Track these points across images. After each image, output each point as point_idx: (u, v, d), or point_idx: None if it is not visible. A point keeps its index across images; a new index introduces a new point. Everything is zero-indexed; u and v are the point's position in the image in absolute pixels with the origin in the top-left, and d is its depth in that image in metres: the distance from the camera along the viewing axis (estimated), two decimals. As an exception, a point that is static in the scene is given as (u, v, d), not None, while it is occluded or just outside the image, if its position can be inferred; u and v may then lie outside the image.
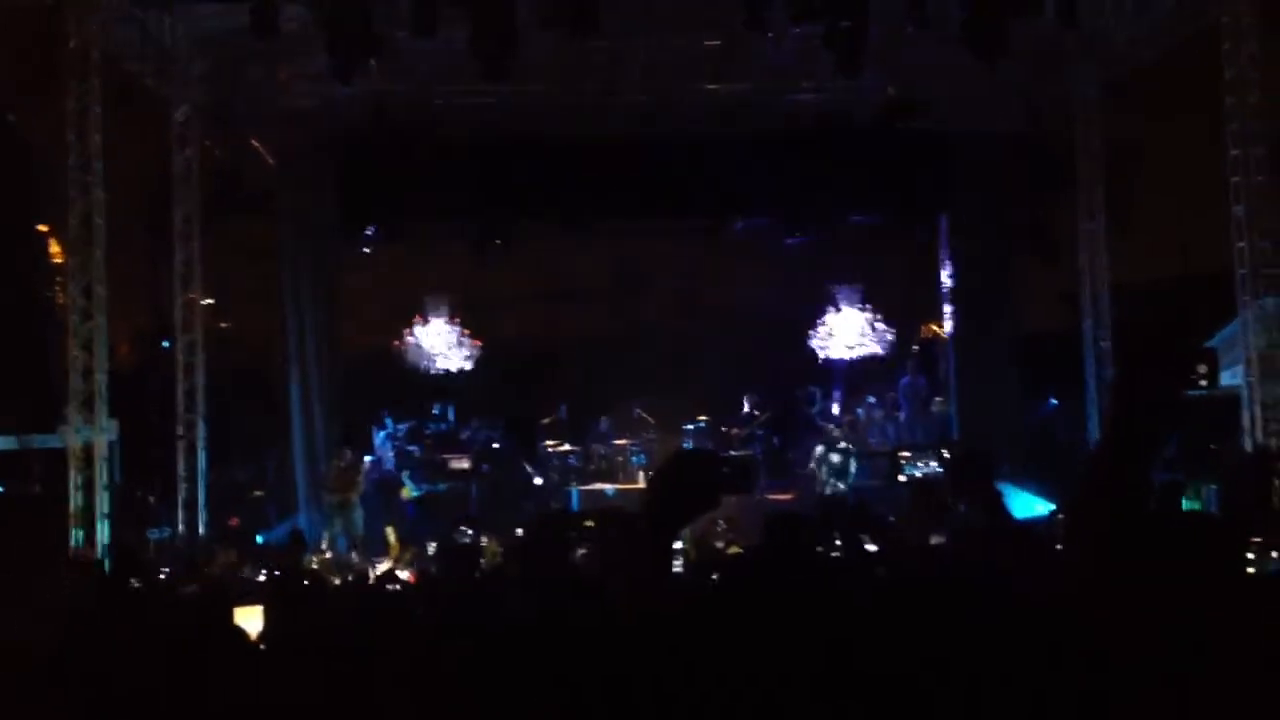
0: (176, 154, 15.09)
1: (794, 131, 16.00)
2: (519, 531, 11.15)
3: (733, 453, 16.45)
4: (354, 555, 13.96)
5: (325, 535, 14.31)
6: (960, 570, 3.76)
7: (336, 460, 14.93)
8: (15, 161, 19.95)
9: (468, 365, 17.87)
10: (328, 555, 13.64)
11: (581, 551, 6.25)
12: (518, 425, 17.73)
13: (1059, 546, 3.50)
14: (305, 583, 7.64)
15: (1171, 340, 2.85)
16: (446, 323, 17.79)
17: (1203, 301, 16.43)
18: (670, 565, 3.19)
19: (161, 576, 10.47)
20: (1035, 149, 17.38)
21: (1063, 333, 18.03)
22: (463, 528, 13.13)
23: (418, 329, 17.74)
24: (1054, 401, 19.09)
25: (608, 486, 16.34)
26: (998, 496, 3.53)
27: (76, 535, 13.00)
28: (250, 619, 7.09)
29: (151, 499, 15.35)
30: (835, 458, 15.94)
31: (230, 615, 5.48)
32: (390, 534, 14.44)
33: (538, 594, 4.17)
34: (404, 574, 10.49)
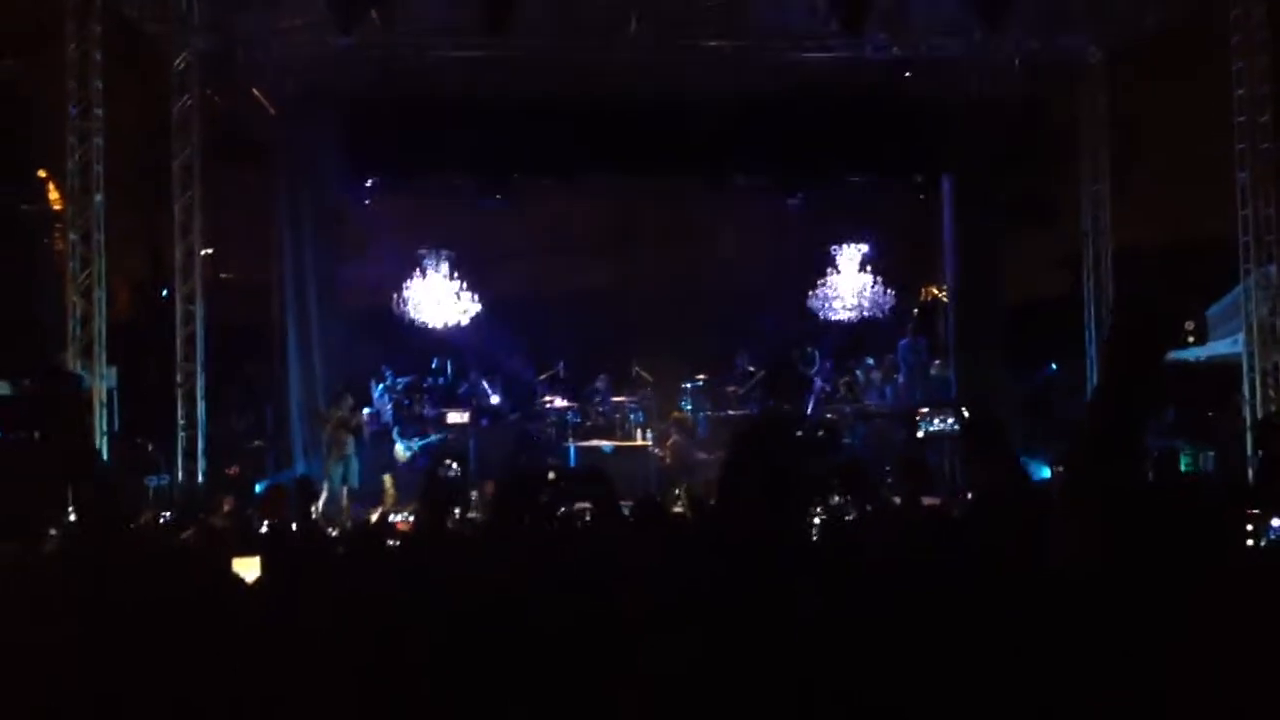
0: (176, 101, 15.00)
1: (796, 90, 15.91)
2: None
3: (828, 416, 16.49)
4: (344, 504, 14.00)
5: (325, 485, 14.35)
6: (965, 534, 3.76)
7: (335, 408, 14.91)
8: (14, 106, 19.83)
9: (466, 320, 17.85)
10: (325, 505, 13.68)
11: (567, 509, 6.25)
12: (515, 380, 17.79)
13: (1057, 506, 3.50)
14: (305, 532, 7.66)
15: (1158, 300, 2.84)
16: (446, 277, 17.75)
17: (1205, 268, 16.42)
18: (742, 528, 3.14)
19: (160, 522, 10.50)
20: (1038, 113, 17.31)
21: (1064, 298, 18.02)
22: (448, 461, 13.01)
23: (417, 282, 17.70)
24: (1054, 366, 19.10)
25: (605, 443, 16.36)
26: (1015, 457, 3.50)
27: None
28: (248, 569, 7.13)
29: (150, 447, 15.37)
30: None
31: (229, 563, 5.49)
32: (388, 481, 14.49)
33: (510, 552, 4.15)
34: (399, 520, 10.50)
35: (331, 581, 4.64)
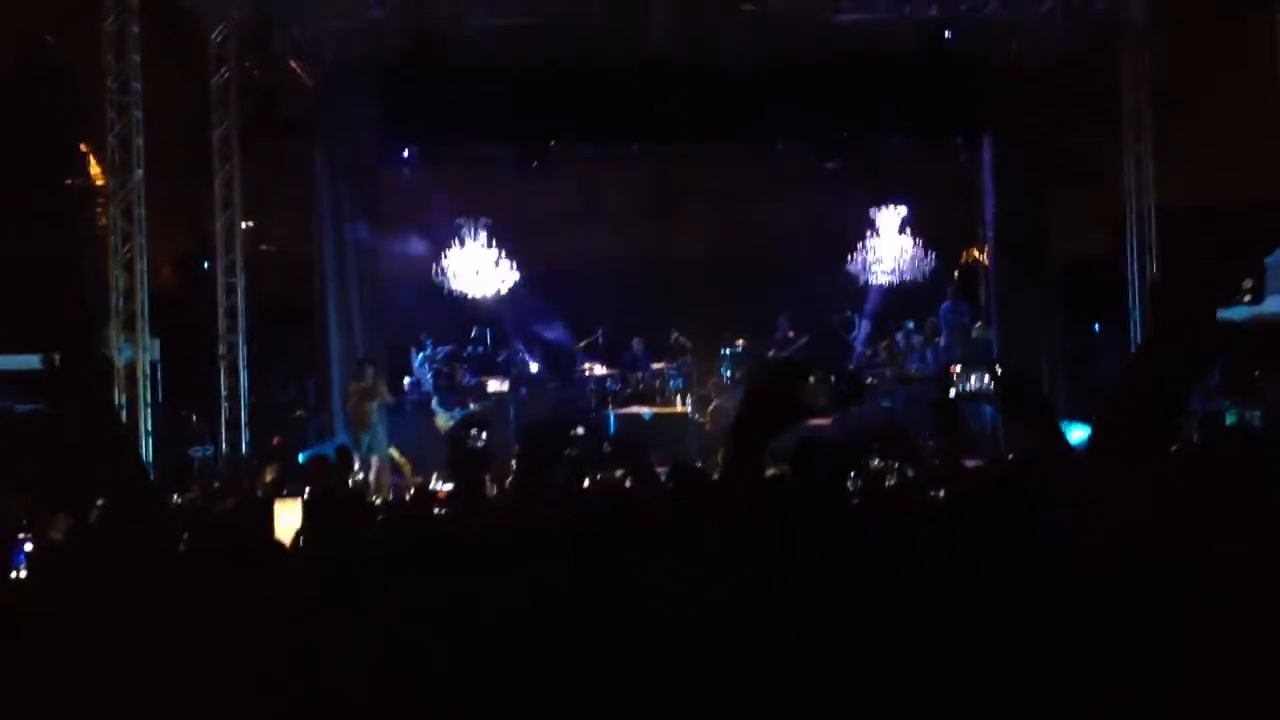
0: (214, 75, 15.07)
1: (834, 52, 15.78)
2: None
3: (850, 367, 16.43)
4: (373, 475, 14.04)
5: (356, 456, 14.40)
6: (1009, 497, 3.71)
7: (355, 381, 14.94)
8: (56, 82, 19.94)
9: (504, 289, 17.88)
10: (359, 475, 13.73)
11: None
12: (555, 349, 17.84)
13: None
14: (346, 499, 7.70)
15: (1217, 253, 2.77)
16: (484, 246, 17.78)
17: (1253, 225, 16.18)
18: (756, 473, 3.10)
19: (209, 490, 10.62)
20: (1081, 70, 17.06)
21: (1107, 258, 17.81)
22: (474, 430, 12.88)
23: (455, 252, 17.74)
24: (1097, 327, 18.91)
25: (644, 410, 16.38)
26: (1053, 416, 3.44)
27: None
28: (290, 511, 7.31)
29: (194, 418, 15.53)
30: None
31: (270, 530, 5.54)
32: (395, 453, 14.50)
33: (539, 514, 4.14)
34: (441, 490, 10.55)
35: (371, 549, 4.66)
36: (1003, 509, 3.57)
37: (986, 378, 4.19)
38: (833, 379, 3.03)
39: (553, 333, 18.15)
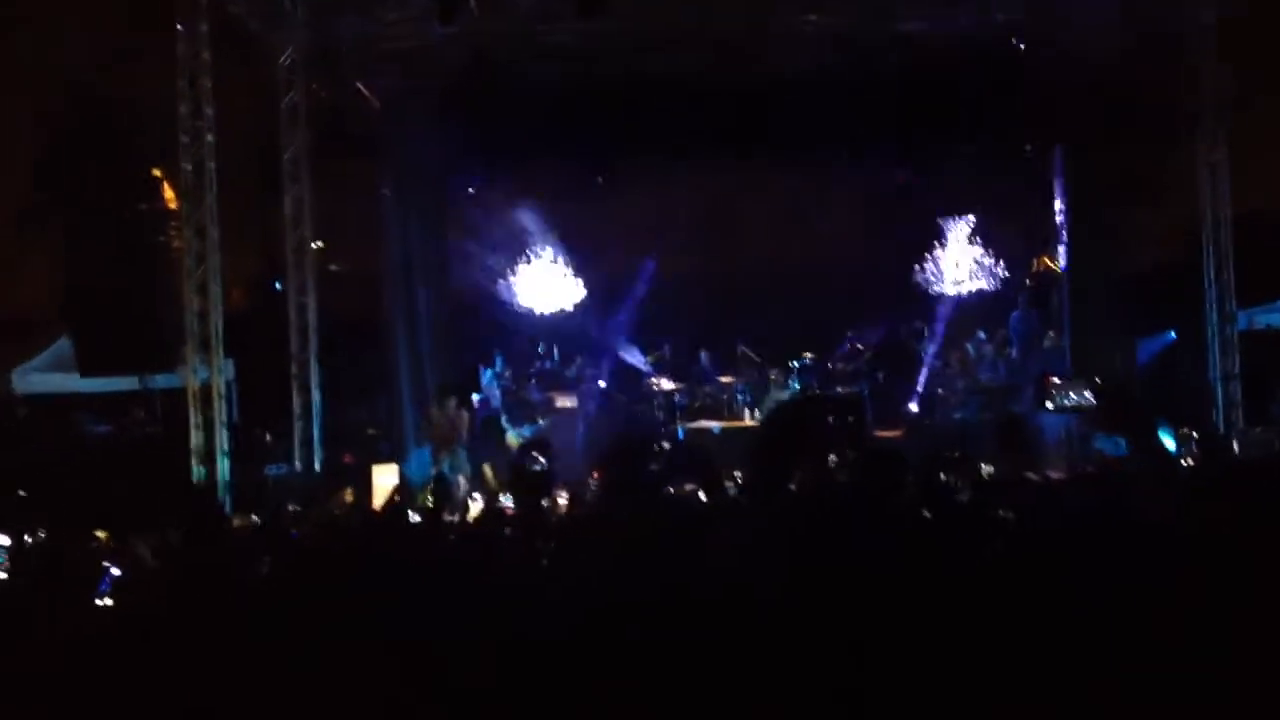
0: (282, 97, 15.27)
1: (899, 63, 15.65)
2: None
3: (839, 390, 16.36)
4: (460, 493, 14.08)
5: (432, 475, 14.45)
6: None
7: (438, 409, 15.01)
8: (111, 124, 20.26)
9: (571, 305, 17.91)
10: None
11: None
12: (622, 363, 17.84)
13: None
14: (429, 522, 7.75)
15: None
16: (551, 262, 17.84)
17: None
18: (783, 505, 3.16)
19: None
20: (1152, 77, 16.78)
21: (1181, 264, 17.49)
22: (534, 454, 12.94)
23: (523, 268, 17.80)
24: (1172, 335, 18.56)
25: (714, 424, 16.34)
26: (1154, 429, 3.43)
27: (198, 472, 13.44)
28: (387, 476, 7.45)
29: (269, 437, 15.70)
30: None
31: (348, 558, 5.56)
32: (488, 470, 14.55)
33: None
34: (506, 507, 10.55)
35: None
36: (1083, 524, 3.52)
37: (1087, 392, 4.17)
38: (835, 414, 3.19)
39: (620, 347, 18.17)
